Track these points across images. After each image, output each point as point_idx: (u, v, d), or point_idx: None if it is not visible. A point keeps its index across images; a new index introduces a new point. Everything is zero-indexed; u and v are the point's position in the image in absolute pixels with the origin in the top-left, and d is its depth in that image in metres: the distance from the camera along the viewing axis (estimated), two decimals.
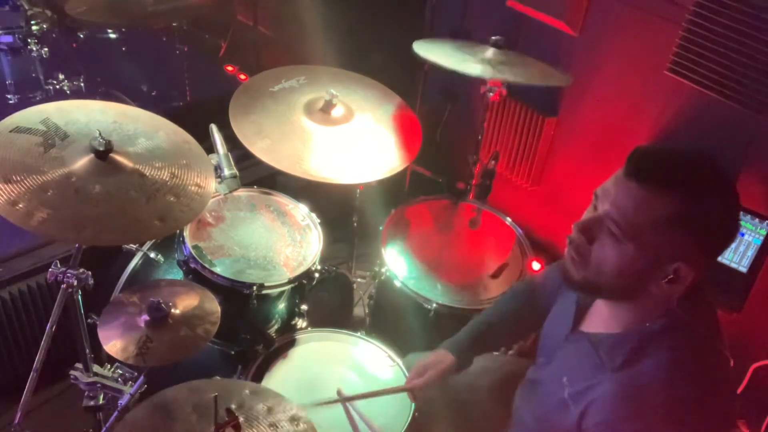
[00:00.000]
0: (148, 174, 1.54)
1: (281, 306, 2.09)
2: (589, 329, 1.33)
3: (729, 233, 1.15)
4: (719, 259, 2.14)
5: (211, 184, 1.63)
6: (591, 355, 1.26)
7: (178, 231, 1.98)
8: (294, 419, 1.44)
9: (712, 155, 1.15)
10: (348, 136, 2.14)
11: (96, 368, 1.75)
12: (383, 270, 2.18)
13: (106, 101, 1.71)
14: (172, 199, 1.53)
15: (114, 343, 1.61)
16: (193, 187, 1.58)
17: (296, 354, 1.91)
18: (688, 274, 1.13)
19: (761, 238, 2.10)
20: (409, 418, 1.72)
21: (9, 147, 1.44)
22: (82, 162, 1.48)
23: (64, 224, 1.39)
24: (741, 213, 1.17)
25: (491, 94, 2.19)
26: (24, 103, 2.73)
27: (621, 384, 1.17)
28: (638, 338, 1.20)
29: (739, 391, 2.24)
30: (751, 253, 2.12)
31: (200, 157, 1.67)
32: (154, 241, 2.14)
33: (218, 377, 1.72)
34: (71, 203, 1.42)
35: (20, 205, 1.37)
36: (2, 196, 1.36)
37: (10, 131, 1.48)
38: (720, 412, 1.18)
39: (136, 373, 1.76)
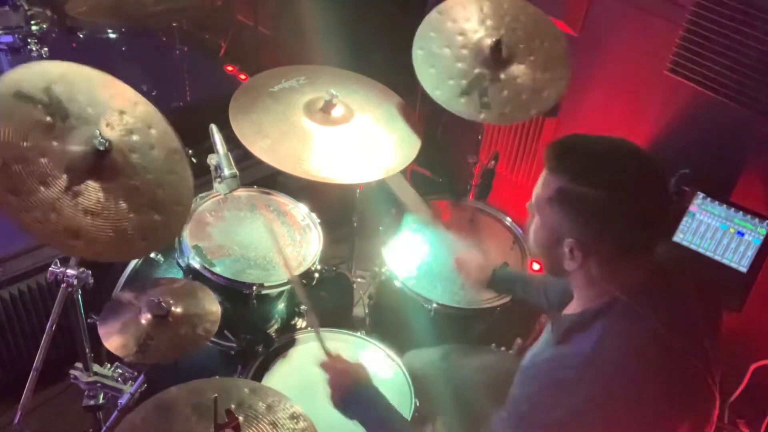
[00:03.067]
0: (139, 184, 1.52)
1: (281, 306, 2.09)
2: (565, 311, 1.37)
3: (612, 219, 1.18)
4: (718, 259, 2.15)
5: (190, 204, 1.61)
6: (548, 332, 1.34)
7: None
8: (294, 417, 1.44)
9: (631, 146, 1.25)
10: (348, 136, 2.14)
11: (96, 368, 1.75)
12: (383, 270, 2.18)
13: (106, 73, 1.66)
14: (156, 216, 1.51)
15: (114, 340, 1.61)
16: (176, 207, 1.57)
17: (296, 354, 1.91)
18: (578, 253, 1.21)
19: (761, 238, 2.10)
20: (410, 416, 1.72)
21: (9, 119, 1.39)
22: (79, 157, 1.45)
23: (58, 232, 1.37)
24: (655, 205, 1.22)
25: None
26: None
27: (551, 355, 1.25)
28: (578, 318, 1.25)
29: (739, 391, 2.24)
30: (751, 253, 2.12)
31: (183, 172, 1.64)
32: None
33: (218, 377, 1.72)
34: (68, 208, 1.40)
35: (17, 198, 1.34)
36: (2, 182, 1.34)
37: (12, 94, 1.42)
38: (646, 400, 1.16)
39: (135, 373, 1.76)
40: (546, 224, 1.25)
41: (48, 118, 1.44)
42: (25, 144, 1.39)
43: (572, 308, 1.33)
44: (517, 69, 2.14)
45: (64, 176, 1.42)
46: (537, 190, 1.26)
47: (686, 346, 1.21)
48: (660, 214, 1.23)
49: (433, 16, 2.25)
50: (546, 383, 1.20)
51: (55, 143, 1.43)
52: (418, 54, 2.20)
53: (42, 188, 1.38)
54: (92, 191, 1.45)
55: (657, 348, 1.19)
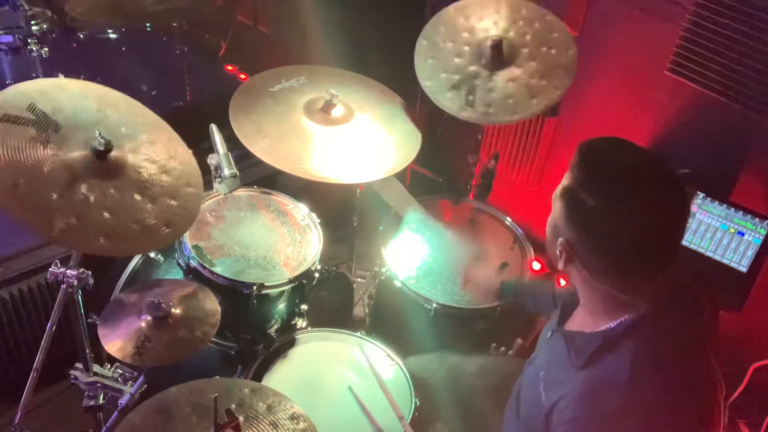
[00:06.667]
0: (145, 174, 1.54)
1: (281, 306, 2.09)
2: (569, 327, 1.36)
3: (604, 233, 1.16)
4: (718, 258, 2.15)
5: (200, 183, 1.65)
6: (563, 351, 1.28)
7: None
8: (294, 417, 1.44)
9: (658, 169, 1.18)
10: (348, 136, 2.14)
11: (96, 368, 1.75)
12: (383, 270, 2.18)
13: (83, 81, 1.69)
14: (171, 202, 1.53)
15: (113, 342, 1.61)
16: (187, 188, 1.59)
17: (296, 354, 1.91)
18: (565, 255, 1.21)
19: (761, 238, 2.10)
20: (410, 418, 1.72)
21: (6, 142, 1.42)
22: (82, 161, 1.48)
23: (85, 234, 1.41)
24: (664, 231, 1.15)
25: None
26: None
27: (585, 383, 1.20)
28: (602, 338, 1.22)
29: (738, 391, 2.24)
30: (751, 252, 2.12)
31: (184, 154, 1.68)
32: None
33: (218, 377, 1.72)
34: (86, 211, 1.43)
35: (38, 213, 1.37)
36: (16, 203, 1.36)
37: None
38: (686, 413, 1.18)
39: (136, 373, 1.76)
40: (552, 217, 1.26)
41: (41, 132, 1.47)
42: (25, 161, 1.42)
43: (582, 324, 1.30)
44: (513, 72, 2.13)
45: (73, 182, 1.45)
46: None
47: (708, 357, 1.22)
48: (664, 246, 1.17)
49: (449, 10, 2.24)
50: (591, 415, 1.16)
51: (54, 153, 1.46)
52: (422, 44, 2.20)
53: (54, 196, 1.41)
54: (104, 190, 1.48)
55: (688, 363, 1.20)
